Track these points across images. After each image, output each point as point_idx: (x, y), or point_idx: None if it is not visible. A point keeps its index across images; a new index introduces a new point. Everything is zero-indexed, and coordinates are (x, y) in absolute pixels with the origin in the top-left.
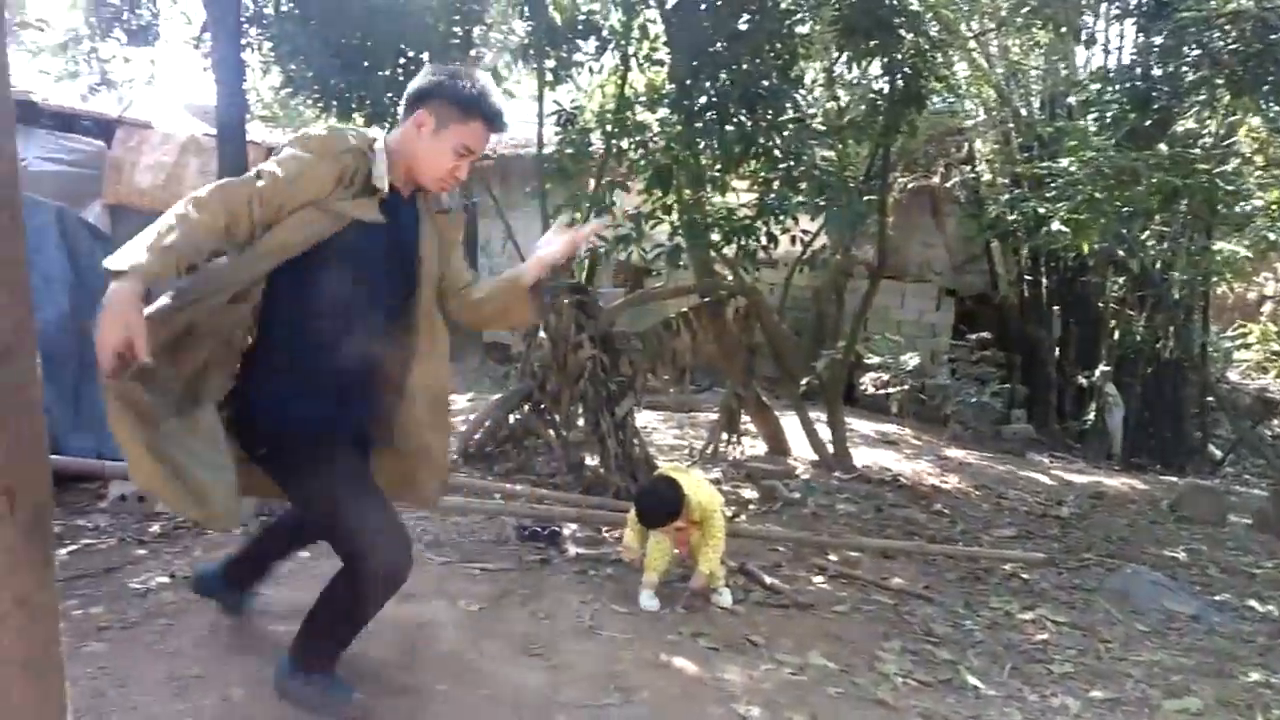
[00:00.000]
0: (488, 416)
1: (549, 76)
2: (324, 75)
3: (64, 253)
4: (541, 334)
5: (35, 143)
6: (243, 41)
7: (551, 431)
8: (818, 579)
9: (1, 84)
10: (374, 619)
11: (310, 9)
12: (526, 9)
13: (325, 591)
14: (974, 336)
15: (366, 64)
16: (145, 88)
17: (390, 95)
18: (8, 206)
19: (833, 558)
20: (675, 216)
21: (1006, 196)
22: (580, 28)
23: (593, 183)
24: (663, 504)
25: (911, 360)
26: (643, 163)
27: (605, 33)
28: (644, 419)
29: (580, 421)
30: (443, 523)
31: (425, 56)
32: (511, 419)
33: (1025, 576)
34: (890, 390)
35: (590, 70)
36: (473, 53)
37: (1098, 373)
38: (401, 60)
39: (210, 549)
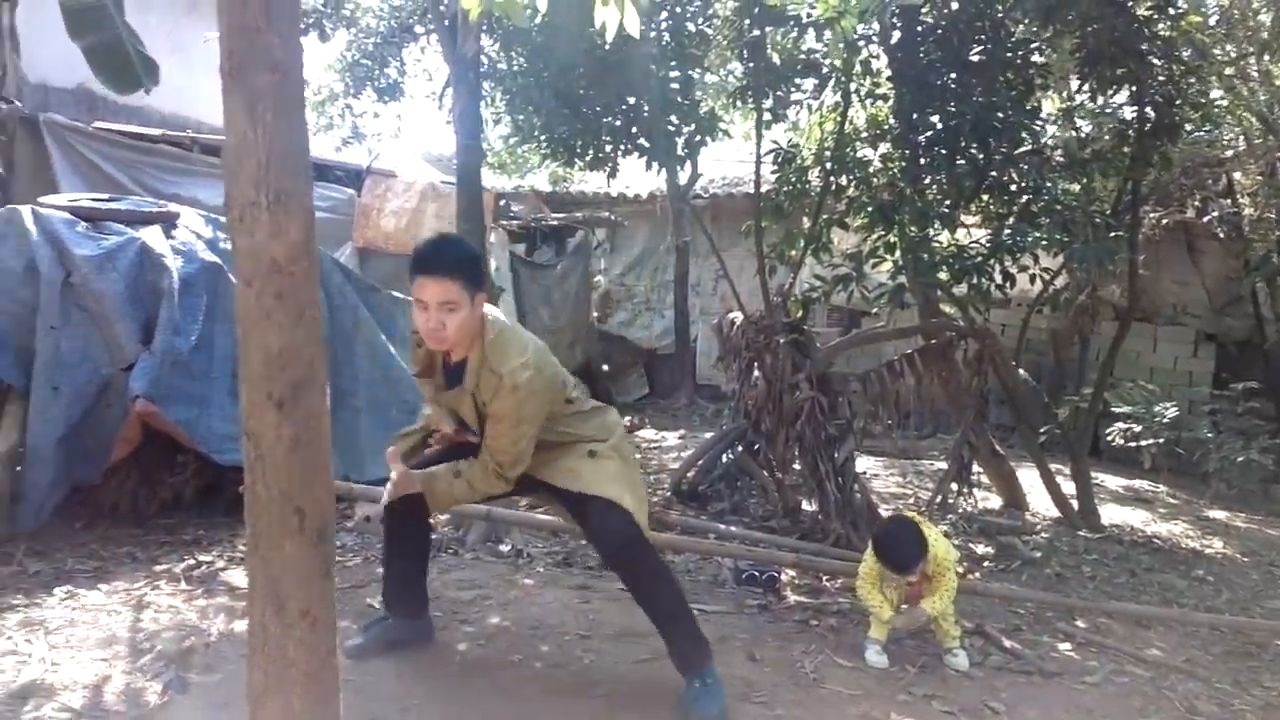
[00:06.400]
0: (700, 455)
1: (766, 116)
2: (552, 125)
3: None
4: (756, 373)
5: None
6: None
7: (766, 473)
8: (1063, 645)
9: (301, 152)
10: (597, 652)
11: (542, 63)
12: (745, 52)
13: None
14: (1239, 386)
15: (588, 112)
16: (391, 140)
17: (610, 142)
18: (307, 255)
19: (1080, 623)
20: (898, 255)
21: (1276, 234)
22: (799, 67)
23: (807, 221)
24: (908, 545)
25: (1168, 410)
26: (864, 199)
27: (825, 70)
28: (863, 464)
29: (796, 465)
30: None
31: (645, 102)
32: (724, 458)
33: None
34: (1141, 443)
35: (809, 108)
36: (693, 96)
37: None
38: (623, 106)
39: (444, 570)
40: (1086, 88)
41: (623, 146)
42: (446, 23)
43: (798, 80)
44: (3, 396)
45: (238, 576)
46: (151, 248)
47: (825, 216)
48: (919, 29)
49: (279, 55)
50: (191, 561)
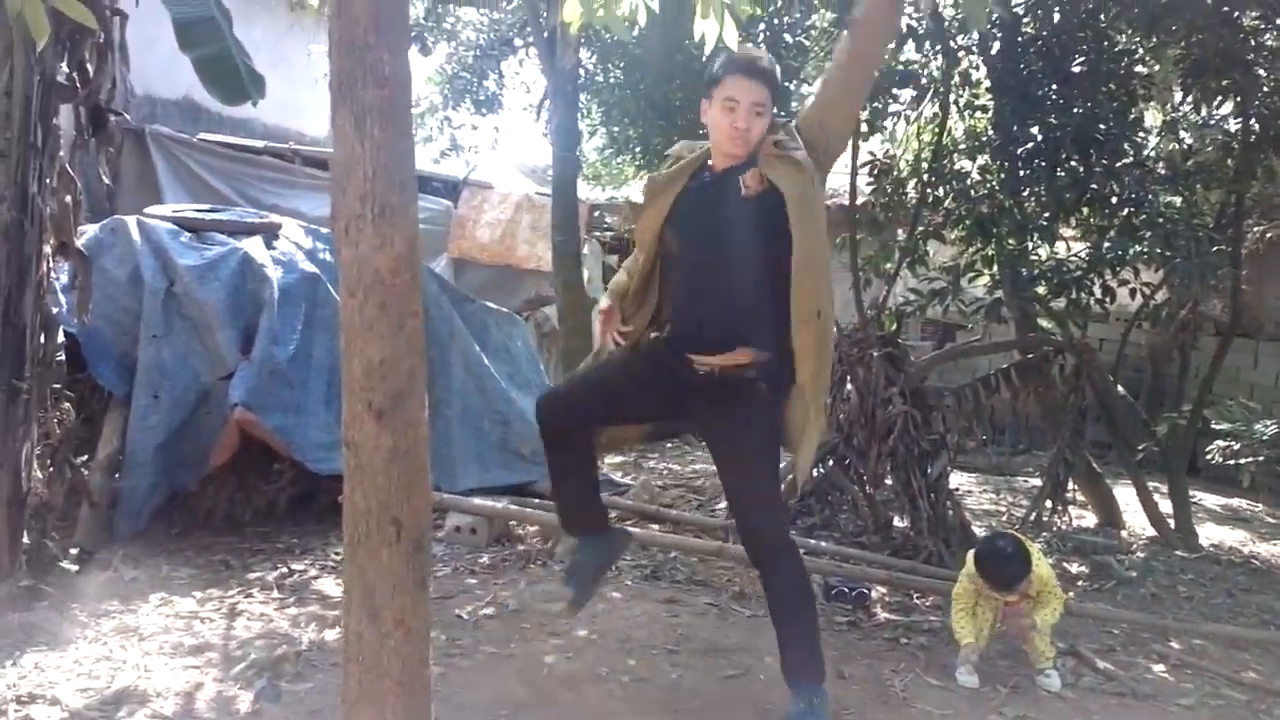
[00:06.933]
0: (790, 469)
1: (863, 128)
2: (647, 136)
3: None
4: (849, 386)
5: None
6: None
7: (857, 488)
8: (1158, 667)
9: (407, 167)
10: (685, 667)
11: (639, 75)
12: None
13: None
14: None
15: (683, 123)
16: (488, 152)
17: None
18: (410, 267)
19: (1175, 644)
20: (996, 268)
21: None
22: (897, 78)
23: (901, 233)
24: (1014, 561)
25: (1269, 428)
26: (962, 211)
27: (924, 81)
28: (955, 480)
29: (888, 480)
30: (747, 573)
31: None
32: (814, 473)
33: None
34: (1241, 461)
35: (906, 119)
36: (789, 108)
37: None
38: None
39: (533, 582)
40: (1190, 99)
41: None
42: (546, 36)
43: (895, 91)
44: (104, 404)
45: (329, 585)
46: (253, 258)
47: (922, 229)
48: (1020, 39)
49: (388, 71)
50: (284, 570)
